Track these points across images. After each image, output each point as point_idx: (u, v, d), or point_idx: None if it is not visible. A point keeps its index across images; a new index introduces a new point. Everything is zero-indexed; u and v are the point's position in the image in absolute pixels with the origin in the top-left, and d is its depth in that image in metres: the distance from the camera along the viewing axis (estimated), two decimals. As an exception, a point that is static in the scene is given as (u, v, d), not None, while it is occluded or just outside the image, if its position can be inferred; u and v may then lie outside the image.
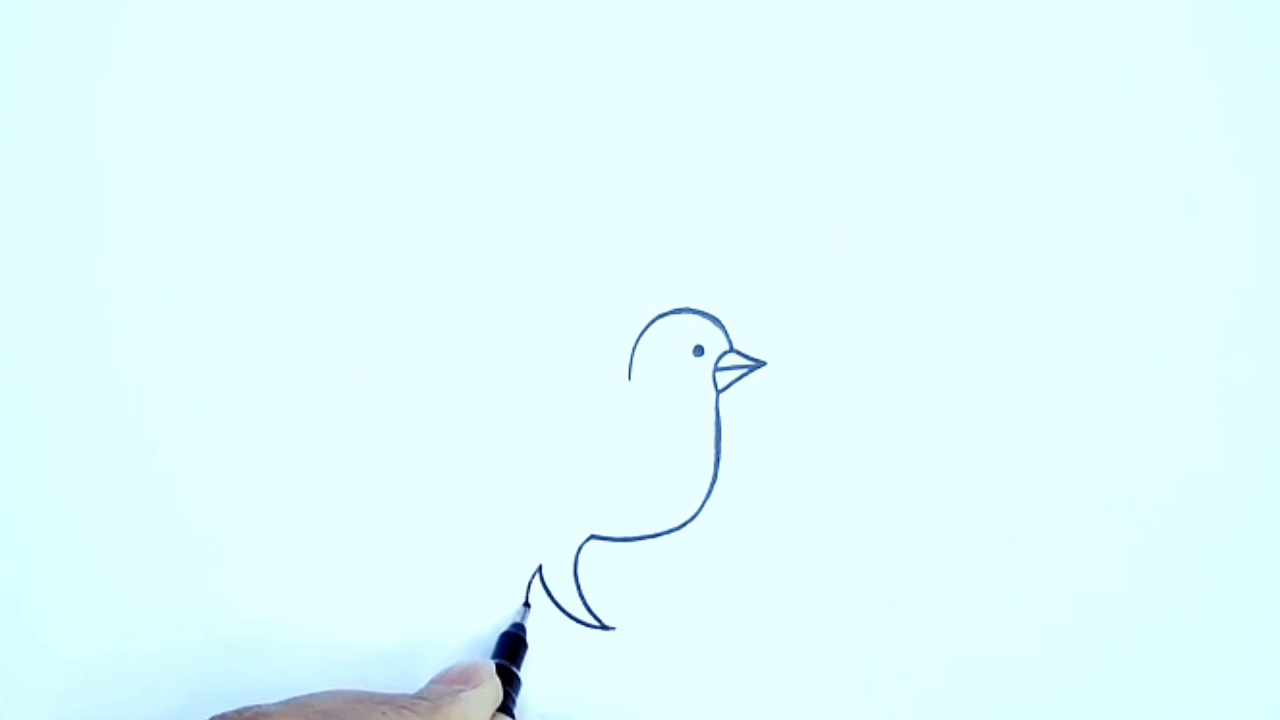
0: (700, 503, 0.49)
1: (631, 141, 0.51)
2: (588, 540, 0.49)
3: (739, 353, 0.50)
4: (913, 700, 0.48)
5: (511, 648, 0.48)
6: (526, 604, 0.49)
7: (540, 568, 0.49)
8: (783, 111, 0.51)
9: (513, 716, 0.46)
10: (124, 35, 0.52)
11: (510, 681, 0.47)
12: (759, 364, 0.50)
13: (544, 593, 0.49)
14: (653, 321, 0.50)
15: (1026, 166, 0.50)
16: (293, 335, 0.50)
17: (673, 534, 0.49)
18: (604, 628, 0.49)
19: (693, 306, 0.50)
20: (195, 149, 0.51)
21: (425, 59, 0.51)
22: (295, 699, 0.42)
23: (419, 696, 0.44)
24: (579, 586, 0.49)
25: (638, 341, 0.50)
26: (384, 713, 0.41)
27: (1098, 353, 0.50)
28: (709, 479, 0.49)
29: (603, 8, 0.51)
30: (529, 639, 0.48)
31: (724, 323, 0.50)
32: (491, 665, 0.46)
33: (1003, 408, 0.49)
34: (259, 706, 0.40)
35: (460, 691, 0.44)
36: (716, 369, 0.50)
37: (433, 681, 0.45)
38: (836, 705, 0.48)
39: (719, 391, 0.50)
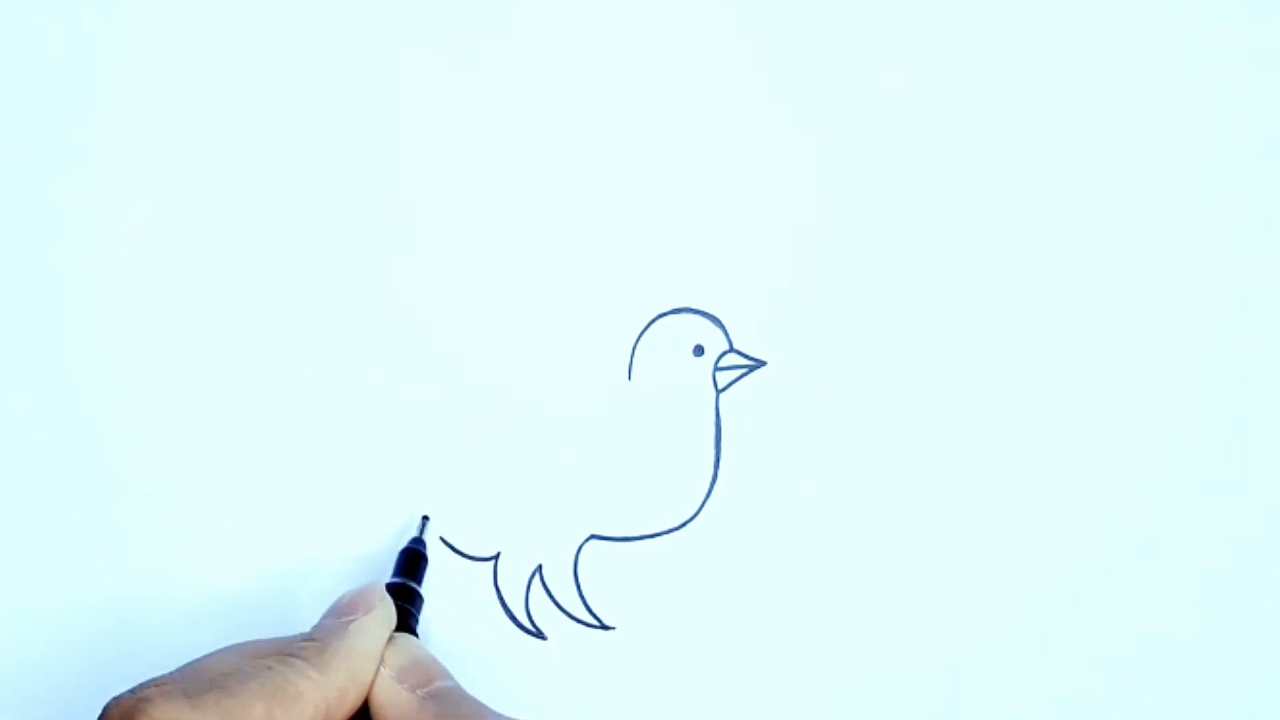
0: (700, 503, 0.49)
1: (631, 141, 0.51)
2: (588, 540, 0.49)
3: (739, 353, 0.50)
4: (914, 700, 0.48)
5: (410, 564, 0.47)
6: (426, 517, 0.48)
7: (540, 567, 0.49)
8: (783, 111, 0.51)
9: (415, 634, 0.45)
10: (121, 34, 0.52)
11: (411, 599, 0.46)
12: (759, 364, 0.50)
13: (544, 593, 0.49)
14: (653, 321, 0.50)
15: (1027, 168, 0.50)
16: (290, 328, 0.50)
17: (673, 534, 0.49)
18: (604, 628, 0.49)
19: (693, 306, 0.50)
20: (188, 146, 0.51)
21: (424, 59, 0.51)
22: (189, 664, 0.41)
23: (307, 637, 0.42)
24: (579, 586, 0.49)
25: (638, 341, 0.50)
26: (269, 666, 0.40)
27: (1099, 354, 0.50)
28: (709, 479, 0.49)
29: (602, 7, 0.51)
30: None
31: (724, 323, 0.50)
32: (380, 587, 0.45)
33: (1004, 407, 0.49)
34: (154, 680, 0.39)
35: (348, 623, 0.43)
36: (716, 369, 0.50)
37: (324, 617, 0.44)
38: (837, 705, 0.48)
39: (719, 391, 0.50)
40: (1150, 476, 0.49)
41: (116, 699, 0.39)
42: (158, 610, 0.49)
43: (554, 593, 0.49)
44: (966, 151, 0.50)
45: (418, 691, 0.43)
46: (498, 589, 0.49)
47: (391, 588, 0.45)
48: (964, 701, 0.48)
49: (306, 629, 0.44)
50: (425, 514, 0.49)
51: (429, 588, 0.48)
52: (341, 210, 0.51)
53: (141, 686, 0.39)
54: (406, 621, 0.45)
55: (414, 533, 0.48)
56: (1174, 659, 0.48)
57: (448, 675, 0.43)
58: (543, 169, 0.51)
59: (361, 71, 0.51)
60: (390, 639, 0.44)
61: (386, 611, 0.44)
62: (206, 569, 0.49)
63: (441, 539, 0.49)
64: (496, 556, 0.49)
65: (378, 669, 0.43)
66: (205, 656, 0.41)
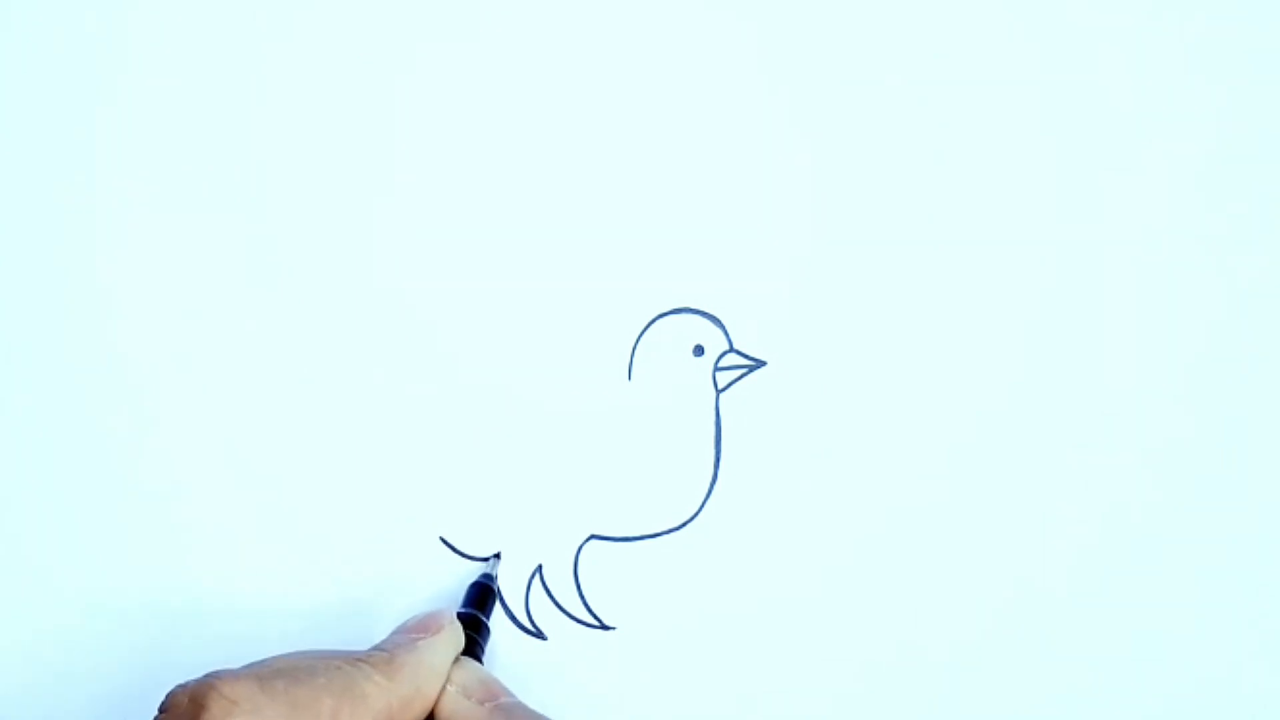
0: (700, 503, 0.49)
1: (632, 141, 0.51)
2: (588, 540, 0.49)
3: (739, 353, 0.50)
4: (914, 700, 0.48)
5: (480, 597, 0.48)
6: (497, 555, 0.49)
7: (540, 567, 0.49)
8: (783, 111, 0.51)
9: (480, 662, 0.46)
10: (121, 34, 0.52)
11: (479, 630, 0.47)
12: (759, 364, 0.50)
13: (544, 593, 0.49)
14: (653, 321, 0.50)
15: (1027, 168, 0.50)
16: (290, 328, 0.50)
17: (673, 534, 0.49)
18: (604, 628, 0.49)
19: (693, 306, 0.50)
20: (188, 146, 0.51)
21: (425, 59, 0.51)
22: (255, 662, 0.42)
23: (376, 648, 0.44)
24: (579, 586, 0.49)
25: (638, 341, 0.50)
26: (338, 666, 0.41)
27: (1099, 354, 0.50)
28: (709, 479, 0.49)
29: (603, 8, 0.51)
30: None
31: (724, 323, 0.50)
32: (451, 613, 0.46)
33: (1004, 407, 0.49)
34: (218, 672, 0.40)
35: (417, 640, 0.44)
36: (716, 369, 0.50)
37: (393, 633, 0.45)
38: (837, 705, 0.48)
39: (719, 391, 0.50)
40: (1150, 476, 0.49)
41: (182, 685, 0.40)
42: (156, 611, 0.49)
43: (554, 593, 0.49)
44: (966, 151, 0.50)
45: (485, 704, 0.44)
46: (498, 589, 0.49)
47: (461, 617, 0.46)
48: (964, 701, 0.48)
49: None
50: (498, 551, 0.49)
51: (427, 588, 0.48)
52: (341, 210, 0.51)
53: (208, 675, 0.40)
54: (473, 650, 0.46)
55: (483, 567, 0.49)
56: (1174, 659, 0.48)
57: (511, 694, 0.45)
58: (543, 169, 0.51)
59: (361, 71, 0.51)
60: (456, 661, 0.45)
61: (455, 634, 0.45)
62: (206, 569, 0.49)
63: (441, 539, 0.49)
64: (496, 556, 0.49)
65: (443, 686, 0.44)
66: (271, 657, 0.42)
